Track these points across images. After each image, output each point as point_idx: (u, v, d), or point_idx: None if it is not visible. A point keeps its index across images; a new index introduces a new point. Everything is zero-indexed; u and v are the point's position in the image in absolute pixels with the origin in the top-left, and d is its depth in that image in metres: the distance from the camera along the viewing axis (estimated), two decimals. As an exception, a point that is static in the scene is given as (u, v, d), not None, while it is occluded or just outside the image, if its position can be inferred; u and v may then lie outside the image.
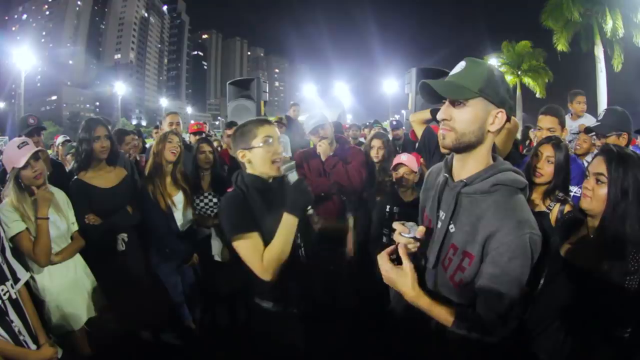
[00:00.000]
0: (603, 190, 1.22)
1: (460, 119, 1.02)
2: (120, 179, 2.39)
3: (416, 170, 2.47)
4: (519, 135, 5.91)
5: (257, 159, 1.49)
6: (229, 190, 1.54)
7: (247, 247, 1.39)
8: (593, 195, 1.25)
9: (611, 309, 1.20)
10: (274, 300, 1.51)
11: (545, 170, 1.83)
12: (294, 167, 1.49)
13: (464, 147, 1.05)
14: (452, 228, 1.09)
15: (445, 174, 1.14)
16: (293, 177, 1.47)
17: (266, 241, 1.43)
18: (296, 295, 1.56)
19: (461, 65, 1.05)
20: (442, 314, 1.06)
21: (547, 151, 1.84)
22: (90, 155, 2.25)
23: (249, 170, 1.53)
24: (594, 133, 2.50)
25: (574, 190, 2.06)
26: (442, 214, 1.13)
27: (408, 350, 1.31)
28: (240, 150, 1.52)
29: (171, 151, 2.48)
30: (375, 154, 2.93)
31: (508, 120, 1.04)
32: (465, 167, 1.08)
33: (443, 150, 1.11)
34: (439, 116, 1.07)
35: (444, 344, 1.14)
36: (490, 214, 1.01)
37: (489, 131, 1.03)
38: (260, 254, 1.39)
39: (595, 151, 3.11)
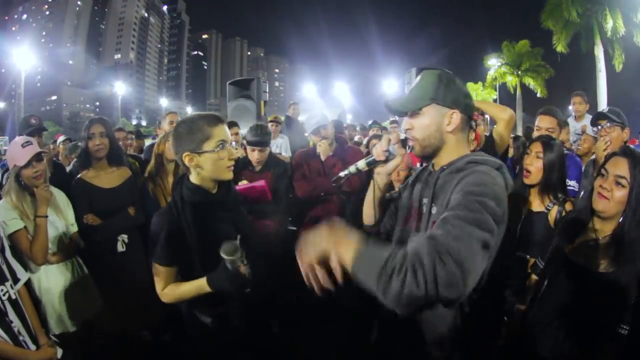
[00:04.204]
0: (621, 193, 1.22)
1: (418, 125, 1.14)
2: (123, 180, 2.38)
3: (413, 167, 2.46)
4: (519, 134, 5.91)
5: (209, 165, 1.32)
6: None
7: (158, 275, 1.41)
8: (612, 196, 1.24)
9: (615, 308, 1.20)
10: (213, 316, 1.47)
11: (534, 165, 1.79)
12: (234, 262, 1.30)
13: (431, 152, 1.16)
14: (433, 209, 1.15)
15: (430, 165, 1.25)
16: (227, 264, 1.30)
17: (193, 265, 1.37)
18: (238, 312, 1.48)
19: (417, 78, 1.19)
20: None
21: (536, 147, 1.82)
22: (88, 153, 2.25)
23: (192, 178, 1.36)
24: (593, 128, 2.49)
25: (571, 184, 2.06)
26: (425, 200, 1.20)
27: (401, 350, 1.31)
28: (188, 153, 1.31)
29: (172, 149, 2.48)
30: (376, 153, 2.92)
31: (471, 118, 1.16)
32: (443, 160, 1.17)
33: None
34: (402, 127, 1.20)
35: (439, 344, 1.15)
36: (459, 178, 1.05)
37: (447, 131, 1.12)
38: (165, 285, 1.40)
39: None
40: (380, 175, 1.32)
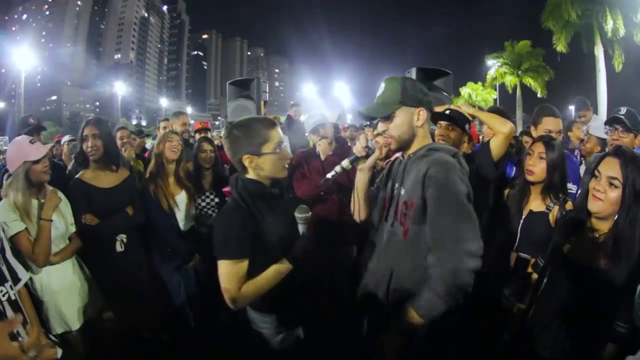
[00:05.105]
0: (615, 194, 1.23)
1: (393, 126, 1.34)
2: (121, 180, 2.37)
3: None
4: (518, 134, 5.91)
5: (269, 165, 1.40)
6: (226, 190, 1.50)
7: (230, 272, 1.34)
8: (605, 198, 1.25)
9: (613, 305, 1.22)
10: (274, 312, 1.48)
11: (537, 166, 1.81)
12: (308, 219, 1.45)
13: (405, 145, 1.37)
14: (402, 191, 1.35)
15: (400, 157, 1.45)
16: (303, 228, 1.45)
17: (268, 252, 1.39)
18: (297, 312, 1.53)
19: (382, 87, 1.37)
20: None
21: (539, 148, 1.83)
22: (83, 155, 2.26)
23: (250, 175, 1.43)
24: (607, 127, 2.45)
25: (569, 187, 2.05)
26: (396, 185, 1.40)
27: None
28: (248, 155, 1.38)
29: (172, 150, 2.48)
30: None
31: (431, 111, 1.38)
32: (412, 150, 1.38)
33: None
34: (379, 129, 1.39)
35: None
36: (424, 163, 1.28)
37: (417, 126, 1.35)
38: (241, 284, 1.34)
39: (602, 151, 3.09)
40: (362, 171, 1.48)
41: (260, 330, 1.51)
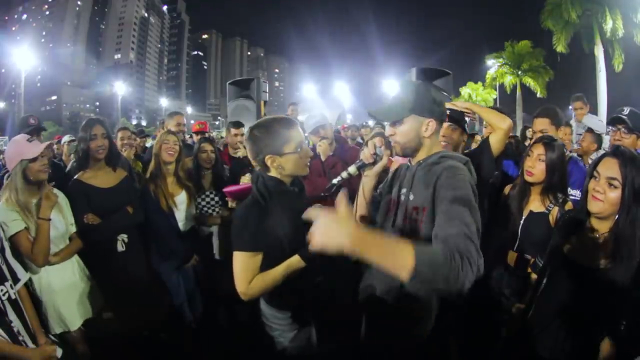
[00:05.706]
0: (614, 194, 1.24)
1: (400, 132, 1.33)
2: (120, 180, 2.37)
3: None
4: (517, 134, 5.93)
5: (290, 165, 1.44)
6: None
7: (244, 264, 1.39)
8: (605, 198, 1.25)
9: (613, 304, 1.22)
10: (289, 309, 1.49)
11: (537, 168, 1.81)
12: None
13: (410, 152, 1.36)
14: (411, 196, 1.33)
15: (407, 163, 1.44)
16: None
17: (282, 248, 1.41)
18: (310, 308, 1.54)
19: (397, 88, 1.37)
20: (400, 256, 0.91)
21: (538, 150, 1.83)
22: (88, 154, 2.25)
23: (272, 174, 1.47)
24: (610, 127, 2.45)
25: (575, 194, 2.05)
26: (404, 190, 1.38)
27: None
28: (270, 156, 1.42)
29: (168, 152, 2.48)
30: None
31: (442, 121, 1.37)
32: (420, 158, 1.36)
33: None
34: (387, 133, 1.40)
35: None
36: (436, 170, 1.27)
37: (424, 136, 1.32)
38: (251, 277, 1.39)
39: (598, 148, 3.09)
40: (368, 177, 1.46)
41: (271, 325, 1.52)
